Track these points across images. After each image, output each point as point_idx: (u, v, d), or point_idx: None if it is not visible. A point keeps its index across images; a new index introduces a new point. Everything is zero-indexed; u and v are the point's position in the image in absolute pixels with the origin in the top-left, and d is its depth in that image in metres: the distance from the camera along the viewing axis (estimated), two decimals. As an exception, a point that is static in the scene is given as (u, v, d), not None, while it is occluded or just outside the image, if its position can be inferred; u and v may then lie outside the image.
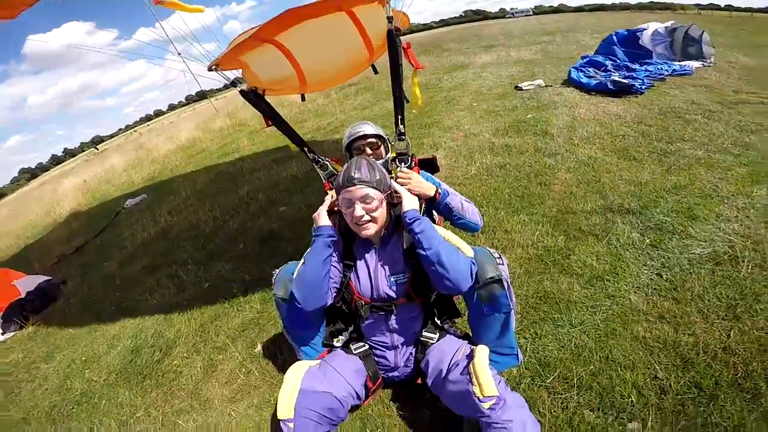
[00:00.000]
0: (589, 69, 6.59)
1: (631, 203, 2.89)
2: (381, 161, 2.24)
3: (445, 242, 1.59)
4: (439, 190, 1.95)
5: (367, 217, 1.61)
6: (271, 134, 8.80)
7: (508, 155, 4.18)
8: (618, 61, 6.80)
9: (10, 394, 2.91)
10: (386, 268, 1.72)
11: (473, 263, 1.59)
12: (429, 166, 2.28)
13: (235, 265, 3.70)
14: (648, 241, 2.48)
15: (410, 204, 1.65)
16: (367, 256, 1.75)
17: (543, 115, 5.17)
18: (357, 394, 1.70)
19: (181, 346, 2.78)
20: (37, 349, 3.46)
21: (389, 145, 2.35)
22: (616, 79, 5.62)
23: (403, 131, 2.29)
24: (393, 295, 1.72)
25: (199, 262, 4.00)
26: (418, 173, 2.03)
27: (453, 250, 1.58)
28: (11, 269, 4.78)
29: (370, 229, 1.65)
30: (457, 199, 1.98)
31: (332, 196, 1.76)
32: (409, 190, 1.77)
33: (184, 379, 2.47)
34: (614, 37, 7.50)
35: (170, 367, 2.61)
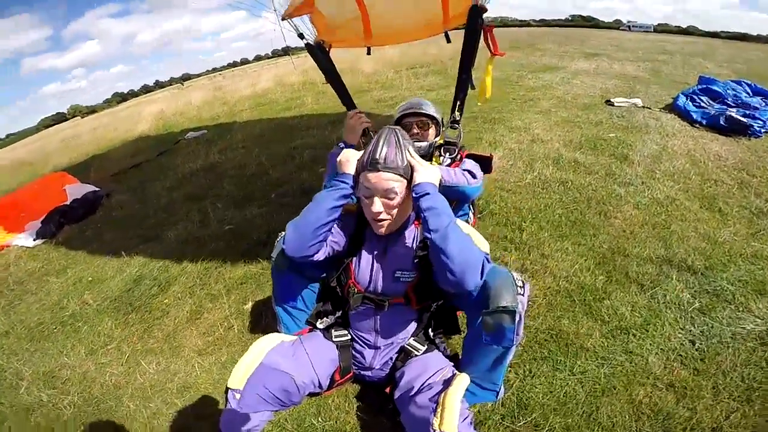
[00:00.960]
0: (703, 97, 5.60)
1: (696, 261, 2.40)
2: (425, 143, 2.07)
3: (456, 226, 1.34)
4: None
5: (384, 216, 1.42)
6: (334, 95, 8.74)
7: (574, 172, 3.69)
8: (741, 97, 5.64)
9: (10, 305, 3.04)
10: (391, 261, 1.53)
11: (487, 259, 1.34)
12: (480, 163, 2.03)
13: (266, 211, 3.72)
14: (697, 304, 2.08)
15: (424, 176, 1.40)
16: (375, 242, 1.57)
17: (629, 137, 4.49)
18: (320, 383, 1.55)
19: (179, 285, 2.81)
20: (56, 261, 3.63)
21: (440, 130, 2.16)
22: (732, 115, 4.66)
23: (458, 119, 2.10)
24: (388, 291, 1.54)
25: (232, 202, 4.08)
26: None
27: (464, 237, 1.33)
28: (68, 174, 5.15)
29: (385, 228, 1.47)
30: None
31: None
32: None
33: (168, 320, 2.49)
34: (745, 87, 6.20)
35: (160, 305, 2.65)
